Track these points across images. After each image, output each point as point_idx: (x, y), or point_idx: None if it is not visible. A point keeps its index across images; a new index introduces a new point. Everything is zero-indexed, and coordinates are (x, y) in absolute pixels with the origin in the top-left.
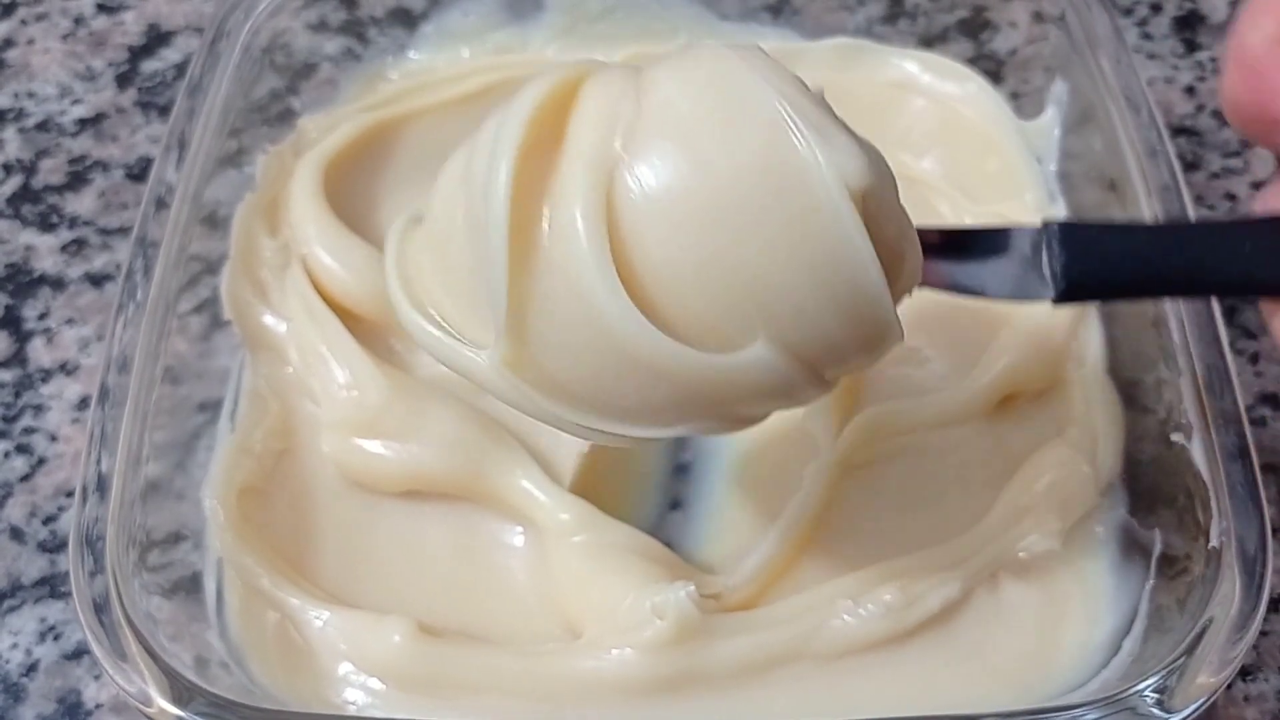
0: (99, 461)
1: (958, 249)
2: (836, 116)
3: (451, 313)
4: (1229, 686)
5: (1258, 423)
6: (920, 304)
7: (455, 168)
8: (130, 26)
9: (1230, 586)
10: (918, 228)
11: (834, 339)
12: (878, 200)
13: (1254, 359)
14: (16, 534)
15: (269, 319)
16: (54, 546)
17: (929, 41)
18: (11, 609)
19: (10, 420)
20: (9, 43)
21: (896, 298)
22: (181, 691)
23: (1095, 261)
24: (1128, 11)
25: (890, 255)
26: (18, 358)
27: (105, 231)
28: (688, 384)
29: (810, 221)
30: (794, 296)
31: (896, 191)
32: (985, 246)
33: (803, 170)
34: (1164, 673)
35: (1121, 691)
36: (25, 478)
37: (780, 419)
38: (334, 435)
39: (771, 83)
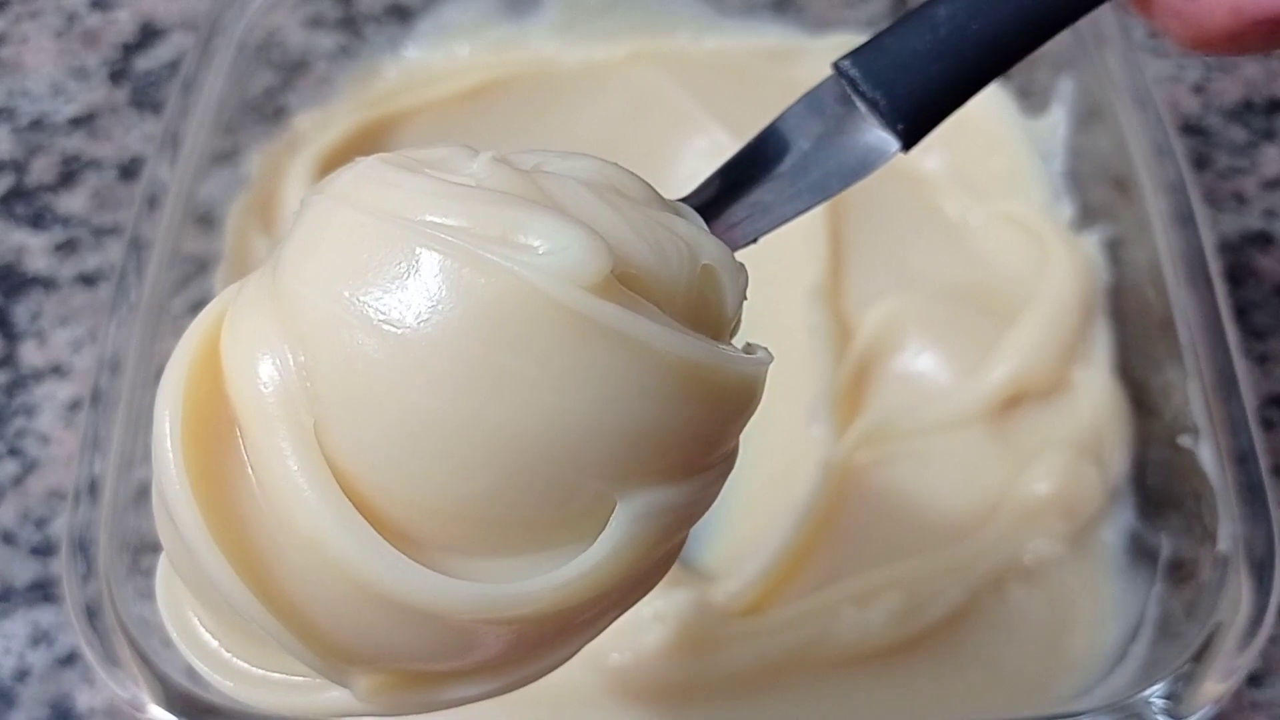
0: (91, 464)
1: (750, 173)
2: (528, 182)
3: (257, 651)
4: (1237, 693)
5: (1266, 425)
6: (923, 305)
7: (156, 499)
8: (123, 24)
9: (1238, 591)
10: (699, 189)
11: (694, 432)
12: (636, 258)
13: (1262, 360)
14: (8, 538)
15: None
16: (46, 550)
17: None
18: (3, 614)
19: (2, 423)
20: (1, 40)
21: (732, 319)
22: (174, 697)
23: (922, 75)
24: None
25: (693, 294)
26: (9, 359)
27: (98, 231)
28: (560, 601)
29: (565, 350)
30: (612, 436)
31: (655, 200)
32: (778, 145)
33: (514, 303)
34: (1172, 679)
35: (1129, 697)
36: (17, 481)
37: (782, 423)
38: None
39: (402, 212)
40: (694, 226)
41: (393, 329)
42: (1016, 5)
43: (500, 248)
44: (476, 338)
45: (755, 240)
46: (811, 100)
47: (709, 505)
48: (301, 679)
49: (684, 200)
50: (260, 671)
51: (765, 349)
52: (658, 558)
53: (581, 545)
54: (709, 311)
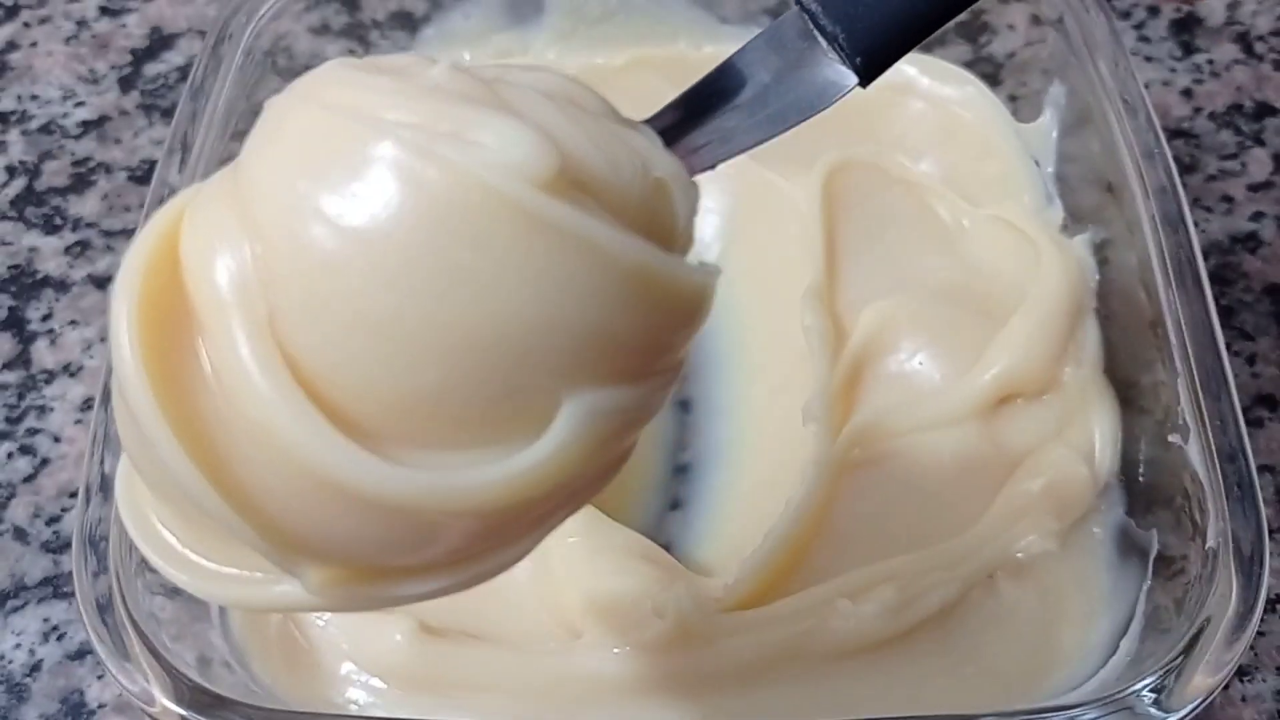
0: (102, 462)
1: (716, 99)
2: (485, 88)
3: (215, 546)
4: (1226, 687)
5: (1255, 424)
6: (915, 305)
7: (114, 391)
8: (133, 29)
9: (1227, 587)
10: (658, 115)
11: (642, 337)
12: (586, 161)
13: (1251, 360)
14: (20, 534)
15: None
16: (57, 547)
17: (927, 45)
18: (15, 609)
19: (14, 421)
20: (12, 45)
21: (685, 236)
22: (184, 691)
23: (881, 10)
24: (1125, 14)
25: (644, 204)
26: (21, 359)
27: (108, 234)
28: (507, 494)
29: (513, 245)
30: (560, 332)
31: (612, 114)
32: (738, 77)
33: (462, 196)
34: (1161, 673)
35: (1119, 692)
36: (29, 478)
37: (778, 421)
38: None
39: (362, 109)
40: (649, 141)
41: (346, 221)
42: None
43: (452, 143)
44: (426, 231)
45: (713, 167)
46: (772, 34)
47: (655, 412)
48: (256, 574)
49: (643, 123)
50: (214, 565)
51: (714, 265)
52: (605, 461)
53: (529, 442)
54: (660, 224)
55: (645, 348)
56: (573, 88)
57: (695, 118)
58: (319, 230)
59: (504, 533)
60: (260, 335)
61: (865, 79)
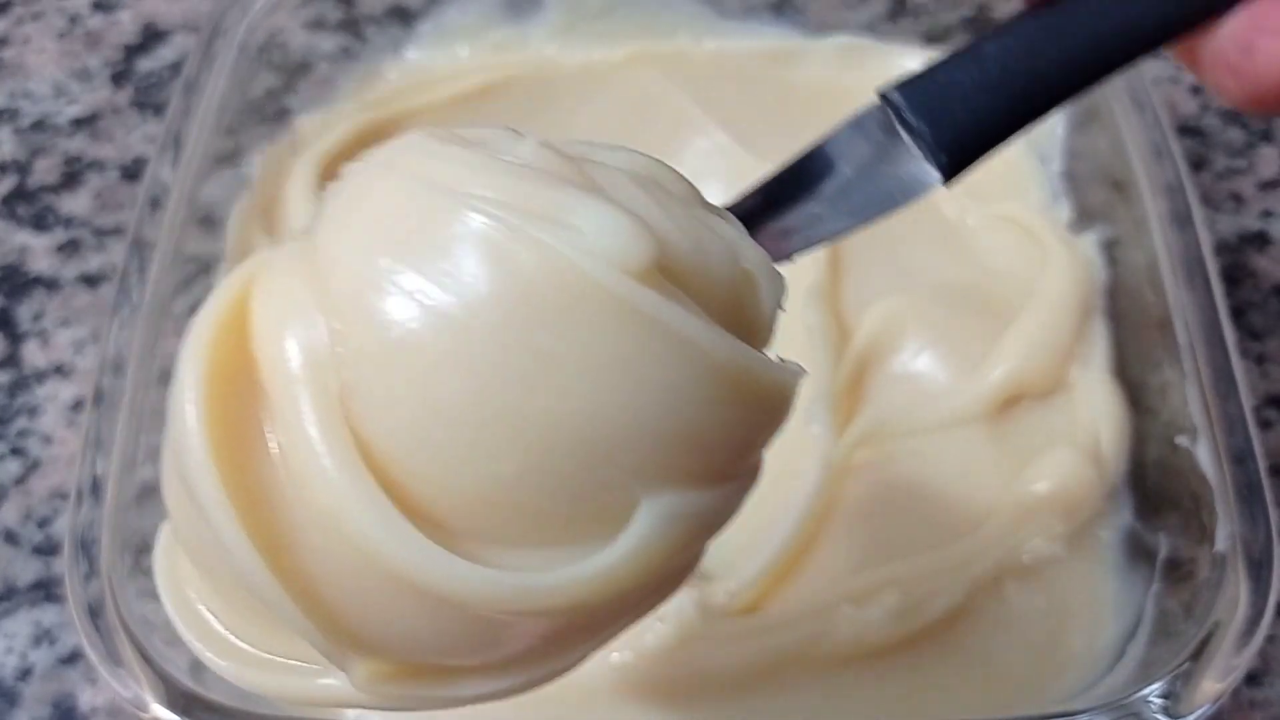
0: (94, 464)
1: (799, 188)
2: (576, 167)
3: (258, 631)
4: (1235, 692)
5: (1264, 425)
6: (921, 305)
7: (169, 462)
8: (126, 25)
9: (1236, 591)
10: (742, 200)
11: (723, 437)
12: (677, 252)
13: (1260, 360)
14: (11, 537)
15: None
16: (48, 550)
17: (933, 39)
18: (6, 613)
19: (4, 423)
20: (4, 41)
21: (768, 329)
22: (177, 696)
23: (968, 110)
24: None
25: (730, 296)
26: (12, 360)
27: (100, 232)
28: (589, 600)
29: (605, 335)
30: (643, 429)
31: (698, 201)
32: (820, 167)
33: (556, 282)
34: (1170, 678)
35: (1127, 697)
36: (19, 480)
37: None
38: None
39: (450, 184)
40: (736, 230)
41: (430, 300)
42: (1063, 49)
43: (545, 225)
44: (514, 314)
45: (790, 258)
46: (856, 125)
47: (729, 519)
48: (299, 664)
49: (728, 209)
50: (256, 651)
51: (797, 364)
52: (676, 566)
53: (602, 544)
54: (745, 316)
55: (727, 447)
56: (660, 170)
57: (777, 206)
58: (399, 307)
59: (566, 639)
60: (331, 415)
61: (949, 176)
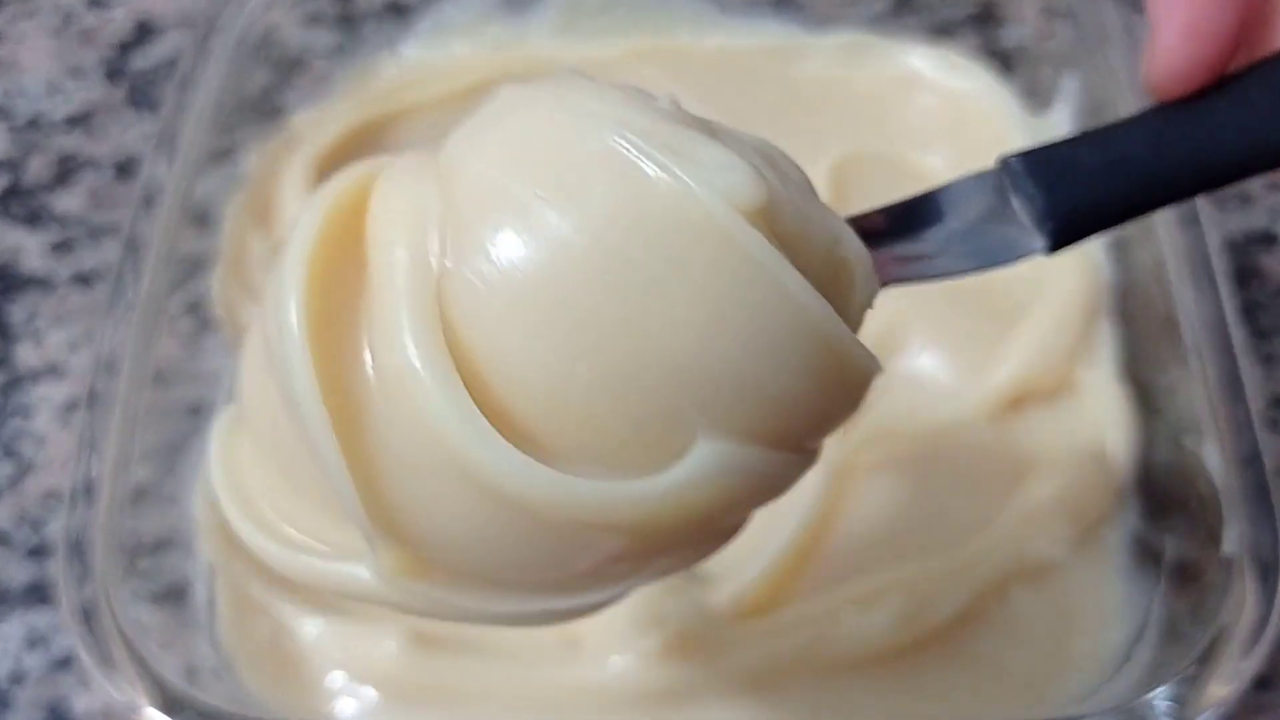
0: (88, 466)
1: (911, 224)
2: (704, 124)
3: (308, 519)
4: (1243, 696)
5: (1272, 427)
6: (926, 304)
7: (255, 342)
8: (120, 22)
9: (1244, 594)
10: (855, 217)
11: (793, 402)
12: (785, 211)
13: (1267, 361)
14: (3, 539)
15: None
16: (42, 552)
17: (937, 35)
18: None
19: None
20: None
21: (854, 320)
22: (171, 700)
23: (1082, 186)
24: (1139, 5)
25: (826, 273)
26: (4, 360)
27: (94, 230)
28: (622, 525)
29: (705, 264)
30: (721, 366)
31: (810, 191)
32: (935, 212)
33: (671, 204)
34: (1177, 682)
35: (1134, 700)
36: (13, 482)
37: None
38: None
39: (595, 111)
40: (839, 222)
41: (552, 220)
42: (1188, 148)
43: (672, 155)
44: (625, 230)
45: (885, 284)
46: (975, 182)
47: (777, 494)
48: (329, 550)
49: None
50: (289, 529)
51: (878, 360)
52: (718, 522)
53: (651, 474)
54: (837, 298)
55: (797, 414)
56: (780, 154)
57: (891, 233)
58: (518, 213)
59: (587, 570)
60: (427, 308)
61: (1053, 247)
